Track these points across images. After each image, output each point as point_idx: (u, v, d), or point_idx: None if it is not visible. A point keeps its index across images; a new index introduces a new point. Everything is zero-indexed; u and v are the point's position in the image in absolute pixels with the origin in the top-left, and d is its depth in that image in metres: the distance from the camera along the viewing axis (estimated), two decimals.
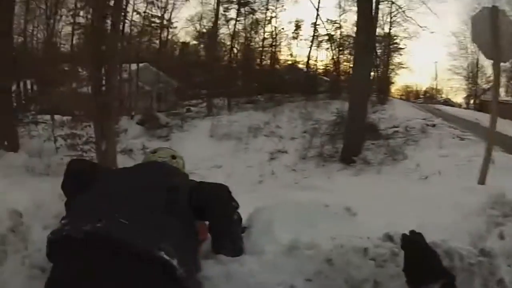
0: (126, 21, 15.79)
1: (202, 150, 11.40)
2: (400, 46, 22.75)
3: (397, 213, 2.62)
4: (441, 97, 29.58)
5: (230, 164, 10.22)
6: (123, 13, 14.49)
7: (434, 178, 6.70)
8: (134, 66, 18.48)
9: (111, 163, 8.24)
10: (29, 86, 12.72)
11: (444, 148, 9.54)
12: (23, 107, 10.95)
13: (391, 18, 21.11)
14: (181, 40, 28.16)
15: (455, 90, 28.65)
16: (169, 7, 22.04)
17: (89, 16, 8.05)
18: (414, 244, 1.30)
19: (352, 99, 9.60)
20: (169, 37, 24.41)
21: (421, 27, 18.26)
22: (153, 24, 19.86)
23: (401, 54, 23.58)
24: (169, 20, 22.12)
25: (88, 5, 7.88)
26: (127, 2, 13.45)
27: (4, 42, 7.99)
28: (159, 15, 20.75)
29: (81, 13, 8.54)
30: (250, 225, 1.68)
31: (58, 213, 2.03)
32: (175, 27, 23.74)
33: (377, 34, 18.84)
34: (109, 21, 7.77)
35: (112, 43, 7.66)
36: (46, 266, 1.40)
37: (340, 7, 20.86)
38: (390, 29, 21.59)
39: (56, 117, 10.25)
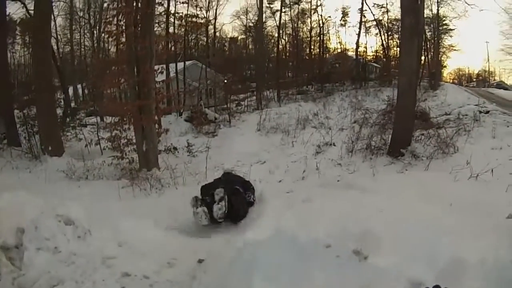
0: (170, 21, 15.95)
1: (248, 145, 11.10)
2: (450, 27, 21.43)
3: (436, 237, 2.12)
4: (494, 79, 27.16)
5: (274, 159, 9.81)
6: (164, 14, 14.76)
7: (487, 176, 5.98)
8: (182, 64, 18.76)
9: (153, 163, 8.48)
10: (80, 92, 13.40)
11: (498, 139, 8.76)
12: (72, 111, 11.58)
13: None
14: (229, 36, 28.32)
15: (509, 72, 26.55)
16: (213, 3, 22.15)
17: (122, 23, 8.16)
18: None
19: (400, 86, 8.89)
20: (217, 33, 24.56)
21: (469, 4, 17.28)
22: (196, 21, 19.83)
23: (451, 36, 22.34)
24: (214, 17, 22.23)
25: (120, 11, 8.04)
26: (168, 5, 13.54)
27: None
28: (203, 13, 20.75)
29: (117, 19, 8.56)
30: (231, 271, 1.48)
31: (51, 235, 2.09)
32: (223, 24, 23.85)
33: (425, 15, 17.73)
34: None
35: (145, 47, 7.79)
36: None
37: None
38: (438, 9, 20.30)
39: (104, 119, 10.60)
